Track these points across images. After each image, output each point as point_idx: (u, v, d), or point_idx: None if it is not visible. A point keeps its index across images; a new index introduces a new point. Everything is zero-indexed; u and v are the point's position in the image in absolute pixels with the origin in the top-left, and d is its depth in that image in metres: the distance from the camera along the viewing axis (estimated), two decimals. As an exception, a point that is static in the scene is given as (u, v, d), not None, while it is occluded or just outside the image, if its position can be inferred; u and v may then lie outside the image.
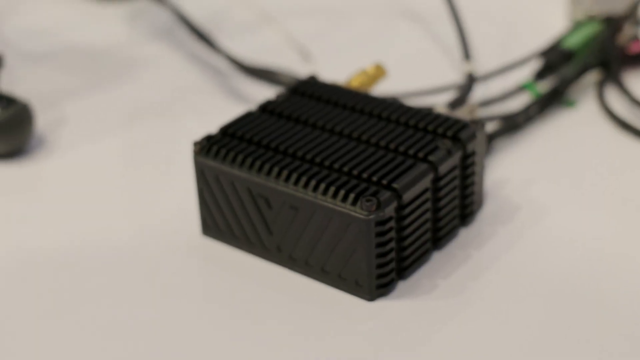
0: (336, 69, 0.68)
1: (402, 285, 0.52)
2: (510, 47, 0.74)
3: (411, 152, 0.52)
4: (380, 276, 0.51)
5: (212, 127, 0.61)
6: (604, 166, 0.61)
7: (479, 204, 0.56)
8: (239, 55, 0.71)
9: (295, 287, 0.52)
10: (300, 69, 0.71)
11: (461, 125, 0.54)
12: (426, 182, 0.51)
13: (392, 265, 0.51)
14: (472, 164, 0.54)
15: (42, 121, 0.67)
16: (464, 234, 0.55)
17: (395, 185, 0.50)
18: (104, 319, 0.51)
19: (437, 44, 0.76)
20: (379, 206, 0.49)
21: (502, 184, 0.59)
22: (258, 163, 0.52)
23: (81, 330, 0.50)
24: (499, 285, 0.52)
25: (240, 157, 0.52)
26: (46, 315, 0.51)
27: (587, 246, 0.54)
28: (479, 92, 0.67)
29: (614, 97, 0.67)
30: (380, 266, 0.50)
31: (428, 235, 0.53)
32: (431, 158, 0.52)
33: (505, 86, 0.68)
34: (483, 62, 0.71)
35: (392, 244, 0.50)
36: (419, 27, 0.78)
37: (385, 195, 0.49)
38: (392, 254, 0.51)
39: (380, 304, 0.51)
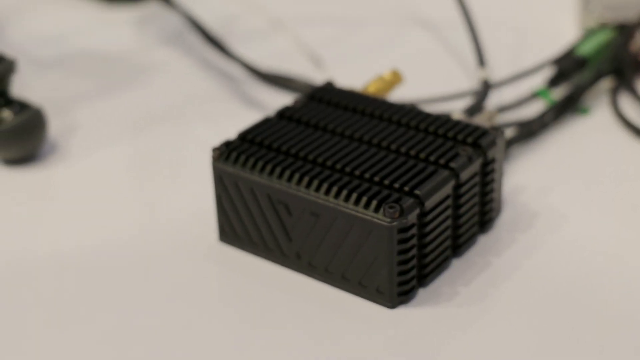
0: (349, 76, 0.68)
1: (422, 293, 0.52)
2: (522, 55, 0.74)
3: (432, 158, 0.52)
4: (401, 283, 0.50)
5: (225, 133, 0.61)
6: (619, 173, 0.61)
7: (498, 210, 0.56)
8: (251, 61, 0.70)
9: (315, 294, 0.52)
10: (313, 76, 0.71)
11: (481, 132, 0.54)
12: (448, 189, 0.51)
13: (414, 272, 0.51)
14: (492, 170, 0.54)
15: (53, 127, 0.67)
16: (483, 241, 0.55)
17: (417, 192, 0.49)
18: (120, 325, 0.50)
19: (449, 50, 0.75)
20: (402, 213, 0.49)
21: (519, 190, 0.59)
22: (278, 169, 0.52)
23: (97, 335, 0.50)
24: (520, 292, 0.51)
25: (260, 163, 0.52)
26: (63, 319, 0.51)
27: (608, 253, 0.54)
28: (493, 99, 0.67)
29: (627, 105, 0.67)
30: (401, 273, 0.50)
31: (448, 242, 0.53)
32: (452, 165, 0.51)
33: (519, 93, 0.68)
34: (496, 70, 0.71)
35: (414, 251, 0.50)
36: (430, 34, 0.78)
37: (408, 202, 0.49)
38: (414, 261, 0.50)
39: (401, 312, 0.51)
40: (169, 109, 0.69)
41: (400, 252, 0.49)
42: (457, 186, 0.52)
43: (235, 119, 0.67)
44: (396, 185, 0.50)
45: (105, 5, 0.83)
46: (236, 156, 0.53)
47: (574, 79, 0.69)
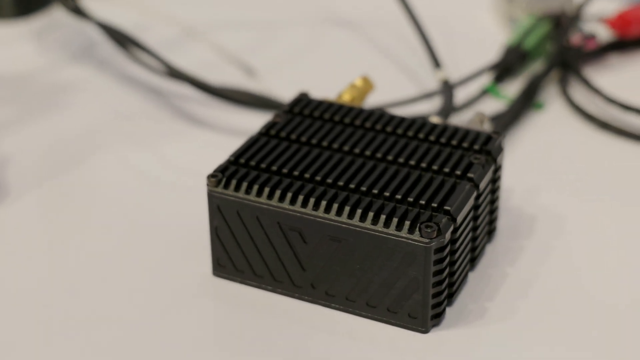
0: (286, 83, 0.64)
1: (449, 312, 0.49)
2: (451, 51, 0.72)
3: (447, 169, 0.49)
4: (435, 306, 0.47)
5: (165, 155, 0.58)
6: (593, 165, 0.60)
7: (497, 218, 0.54)
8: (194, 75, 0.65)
9: (336, 324, 0.48)
10: (248, 85, 0.66)
11: (485, 137, 0.51)
12: (472, 201, 0.48)
13: (446, 292, 0.48)
14: (499, 177, 0.52)
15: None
16: (491, 251, 0.53)
17: (447, 207, 0.46)
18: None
19: (382, 51, 0.73)
20: (440, 232, 0.45)
21: (507, 194, 0.57)
22: (290, 194, 0.47)
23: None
24: (548, 301, 0.49)
25: (267, 188, 0.48)
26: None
27: (623, 245, 0.53)
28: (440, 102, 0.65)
29: (579, 95, 0.66)
30: (436, 295, 0.47)
31: (469, 256, 0.50)
32: (471, 175, 0.49)
33: (467, 93, 0.66)
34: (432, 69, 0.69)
35: (447, 271, 0.47)
36: (354, 34, 0.75)
37: (443, 219, 0.46)
38: (447, 281, 0.47)
39: (436, 335, 0.47)
40: (96, 133, 0.63)
41: (436, 273, 0.46)
42: (477, 197, 0.49)
43: (175, 138, 0.62)
44: (422, 202, 0.47)
45: (-10, 20, 0.76)
46: (237, 182, 0.48)
47: (518, 73, 0.68)
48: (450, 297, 0.49)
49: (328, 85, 0.61)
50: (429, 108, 0.64)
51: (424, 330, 0.47)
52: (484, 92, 0.66)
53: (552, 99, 0.66)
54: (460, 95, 0.66)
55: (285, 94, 0.64)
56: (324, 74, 0.68)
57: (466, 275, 0.50)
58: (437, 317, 0.48)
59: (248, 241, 0.49)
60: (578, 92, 0.66)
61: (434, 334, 0.47)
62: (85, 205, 0.57)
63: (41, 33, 0.74)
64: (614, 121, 0.63)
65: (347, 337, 0.47)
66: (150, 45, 0.66)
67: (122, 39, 0.66)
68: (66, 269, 0.52)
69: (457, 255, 0.48)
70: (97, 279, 0.51)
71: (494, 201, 0.52)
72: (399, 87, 0.67)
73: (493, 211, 0.52)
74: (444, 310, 0.48)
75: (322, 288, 0.48)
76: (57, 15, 0.75)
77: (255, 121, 0.61)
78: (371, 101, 0.62)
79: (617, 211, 0.56)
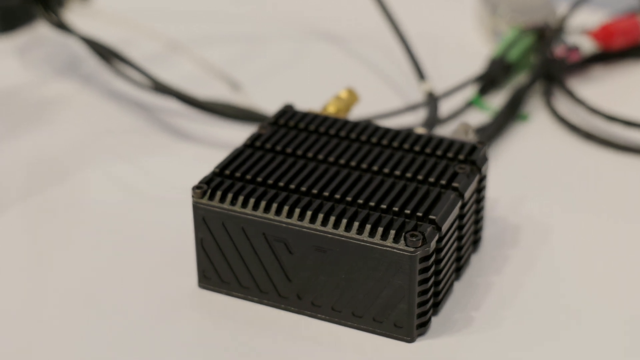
0: (271, 96, 0.64)
1: (435, 321, 0.49)
2: (436, 64, 0.73)
3: (432, 179, 0.49)
4: (421, 315, 0.47)
5: (150, 170, 0.58)
6: (578, 175, 0.61)
7: (483, 227, 0.54)
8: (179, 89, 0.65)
9: (322, 335, 0.48)
10: (234, 98, 0.67)
11: (470, 147, 0.51)
12: (457, 210, 0.48)
13: (432, 302, 0.48)
14: (484, 187, 0.52)
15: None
16: (476, 261, 0.53)
17: (432, 216, 0.47)
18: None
19: (364, 65, 0.73)
20: (425, 241, 0.45)
21: (492, 204, 0.57)
22: (275, 205, 0.47)
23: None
24: (535, 310, 0.49)
25: (252, 200, 0.48)
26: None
27: (607, 255, 0.53)
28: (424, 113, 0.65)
29: (563, 107, 0.66)
30: (421, 304, 0.47)
31: (455, 265, 0.50)
32: (456, 184, 0.49)
33: (450, 105, 0.66)
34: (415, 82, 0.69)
35: (433, 280, 0.47)
36: (337, 48, 0.75)
37: (428, 228, 0.46)
38: (432, 290, 0.47)
39: (422, 345, 0.47)
40: (80, 148, 0.63)
41: (421, 282, 0.46)
42: (462, 206, 0.49)
43: (159, 152, 0.62)
44: (407, 211, 0.47)
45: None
46: (222, 194, 0.48)
47: (502, 85, 0.68)
48: (436, 307, 0.49)
49: (313, 98, 0.61)
50: (414, 120, 0.64)
51: (410, 339, 0.47)
52: (469, 104, 0.66)
53: (536, 110, 0.67)
54: (446, 107, 0.66)
55: (271, 107, 0.64)
56: (309, 87, 0.68)
57: (452, 284, 0.50)
58: (422, 327, 0.47)
59: (233, 252, 0.49)
60: (562, 104, 0.67)
61: (420, 344, 0.47)
62: (70, 220, 0.57)
63: (26, 48, 0.74)
64: (598, 132, 0.63)
65: (333, 347, 0.47)
66: (135, 60, 0.66)
67: (106, 54, 0.66)
68: (50, 284, 0.51)
69: (442, 264, 0.48)
70: (83, 292, 0.51)
71: (479, 211, 0.52)
72: (384, 99, 0.67)
73: (478, 221, 0.52)
74: (429, 319, 0.48)
75: (308, 298, 0.48)
76: (42, 31, 0.75)
77: (240, 134, 0.61)
78: (357, 113, 0.62)
79: (602, 221, 0.56)
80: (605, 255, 0.53)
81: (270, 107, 0.64)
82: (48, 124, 0.66)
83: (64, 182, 0.60)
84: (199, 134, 0.64)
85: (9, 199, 0.58)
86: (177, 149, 0.63)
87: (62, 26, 0.68)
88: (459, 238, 0.50)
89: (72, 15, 0.74)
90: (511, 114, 0.64)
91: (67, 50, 0.73)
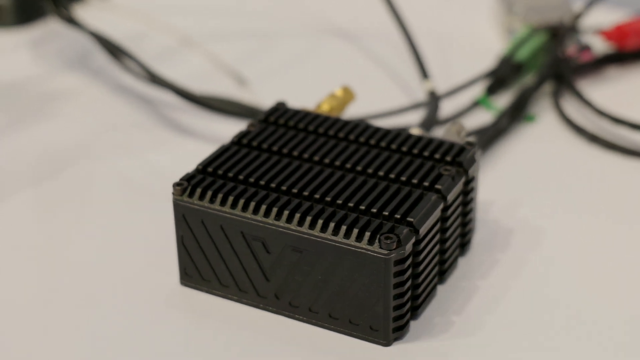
0: (276, 93, 0.63)
1: (414, 326, 0.48)
2: (448, 62, 0.72)
3: (415, 181, 0.48)
4: (397, 318, 0.47)
5: (152, 165, 0.58)
6: (579, 179, 0.59)
7: (473, 230, 0.53)
8: (177, 83, 0.65)
9: (299, 336, 0.48)
10: (239, 95, 0.66)
11: (458, 148, 0.51)
12: (438, 213, 0.47)
13: (409, 305, 0.47)
14: (472, 189, 0.51)
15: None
16: (464, 264, 0.52)
17: (410, 219, 0.46)
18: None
19: (376, 61, 0.72)
20: (400, 243, 0.45)
21: (487, 206, 0.56)
22: (253, 203, 0.47)
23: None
24: (517, 315, 0.48)
25: (231, 198, 0.47)
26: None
27: (600, 261, 0.52)
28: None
29: (571, 108, 0.65)
30: (397, 308, 0.46)
31: (437, 268, 0.49)
32: (439, 187, 0.48)
33: (457, 104, 0.65)
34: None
35: (409, 283, 0.46)
36: (349, 45, 0.74)
37: (404, 231, 0.45)
38: (409, 294, 0.47)
39: (398, 348, 0.47)
40: (85, 142, 0.63)
41: (397, 285, 0.46)
42: (445, 209, 0.48)
43: (163, 147, 0.62)
44: (386, 213, 0.46)
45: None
46: (202, 191, 0.48)
47: (512, 85, 0.67)
48: (415, 310, 0.48)
49: (318, 96, 0.60)
50: (416, 119, 0.63)
51: (386, 343, 0.47)
52: (476, 104, 0.65)
53: (544, 111, 0.65)
54: (452, 106, 0.65)
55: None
56: (316, 85, 0.68)
57: (434, 288, 0.49)
58: (399, 330, 0.47)
59: (213, 251, 0.49)
60: (571, 105, 0.65)
61: (396, 347, 0.47)
62: (69, 212, 0.57)
63: (39, 41, 0.74)
64: (604, 134, 0.62)
65: (308, 349, 0.47)
66: (144, 54, 0.66)
67: (112, 49, 0.66)
68: (38, 277, 0.52)
69: (421, 267, 0.47)
70: (81, 281, 0.51)
71: (466, 213, 0.51)
72: (390, 97, 0.67)
73: (466, 224, 0.52)
74: (407, 323, 0.47)
75: (286, 299, 0.48)
76: (56, 25, 0.75)
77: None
78: (359, 111, 0.62)
79: (598, 227, 0.55)
80: (599, 261, 0.52)
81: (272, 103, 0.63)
82: (54, 116, 0.66)
83: (65, 175, 0.60)
84: (202, 130, 0.64)
85: (14, 187, 0.58)
86: (181, 144, 0.63)
87: (71, 21, 0.68)
88: (442, 241, 0.49)
89: (91, 10, 0.75)
90: (516, 114, 0.63)
91: (79, 45, 0.73)
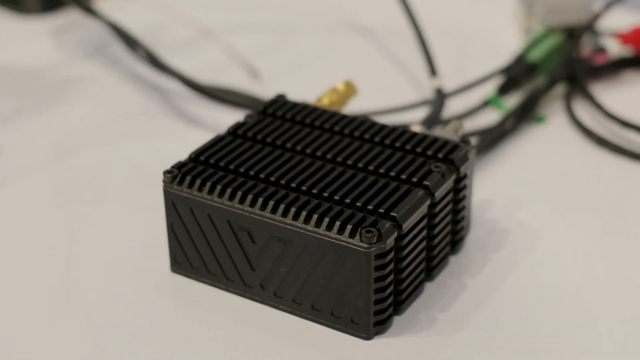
0: (288, 86, 0.64)
1: (398, 321, 0.48)
2: (465, 61, 0.72)
3: (404, 176, 0.48)
4: (378, 312, 0.47)
5: (161, 152, 0.58)
6: (583, 183, 0.59)
7: (468, 229, 0.53)
8: (185, 73, 0.65)
9: (282, 326, 0.48)
10: (251, 88, 0.67)
11: (452, 146, 0.50)
12: (424, 209, 0.47)
13: (390, 300, 0.47)
14: (464, 187, 0.51)
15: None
16: (455, 262, 0.52)
17: (394, 213, 0.46)
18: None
19: (390, 58, 0.72)
20: (380, 237, 0.45)
21: (486, 205, 0.56)
22: (239, 193, 0.47)
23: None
24: (501, 316, 0.48)
25: (218, 187, 0.48)
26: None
27: (583, 270, 0.51)
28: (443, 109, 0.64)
29: (582, 111, 0.64)
30: (378, 302, 0.46)
31: (423, 265, 0.49)
32: (427, 183, 0.48)
33: (467, 102, 0.65)
34: (440, 78, 0.68)
35: (391, 277, 0.46)
36: (366, 42, 0.75)
37: (385, 225, 0.45)
38: (391, 288, 0.47)
39: (379, 342, 0.47)
40: (97, 128, 0.64)
41: (378, 279, 0.46)
42: (432, 205, 0.48)
43: (172, 136, 0.63)
44: (370, 207, 0.46)
45: (16, 16, 0.77)
46: (191, 179, 0.49)
47: (524, 85, 0.66)
48: (399, 305, 0.48)
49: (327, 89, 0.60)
50: (423, 116, 0.63)
51: (367, 336, 0.47)
52: (486, 104, 0.65)
53: (555, 112, 0.65)
54: (461, 104, 0.65)
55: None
56: (327, 79, 0.67)
57: (420, 284, 0.49)
58: (380, 324, 0.47)
59: (201, 239, 0.49)
60: (582, 107, 0.65)
61: (377, 341, 0.47)
62: (73, 196, 0.58)
63: (61, 30, 0.76)
64: (612, 138, 0.61)
65: (289, 339, 0.47)
66: (164, 44, 0.67)
67: (128, 39, 0.67)
68: (32, 262, 0.53)
69: (405, 263, 0.47)
70: (74, 266, 0.52)
71: (458, 211, 0.51)
72: (399, 94, 0.66)
73: (458, 222, 0.51)
74: (388, 317, 0.47)
75: (271, 289, 0.48)
76: (77, 14, 0.76)
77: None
78: (367, 106, 0.62)
79: (595, 231, 0.54)
80: (591, 265, 0.52)
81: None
82: (68, 103, 0.67)
83: (72, 160, 0.61)
84: (210, 120, 0.64)
85: (29, 167, 0.59)
86: (189, 133, 0.63)
87: (90, 11, 0.69)
88: (430, 238, 0.49)
89: (113, 0, 0.76)
90: (523, 115, 0.63)
91: (97, 34, 0.74)
